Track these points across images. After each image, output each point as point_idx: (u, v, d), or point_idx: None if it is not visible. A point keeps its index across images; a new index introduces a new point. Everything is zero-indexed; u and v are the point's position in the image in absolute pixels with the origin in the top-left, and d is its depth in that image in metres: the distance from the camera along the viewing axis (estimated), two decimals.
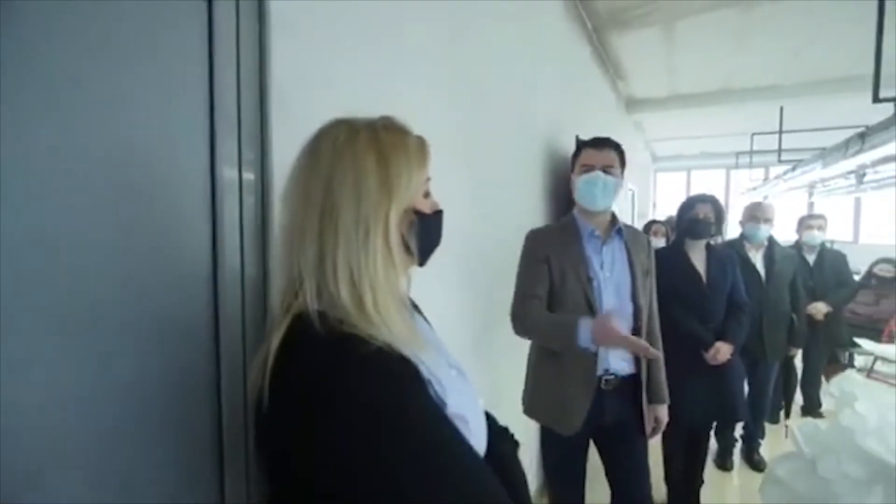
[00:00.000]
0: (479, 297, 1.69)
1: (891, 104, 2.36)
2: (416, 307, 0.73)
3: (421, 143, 0.62)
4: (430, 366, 0.56)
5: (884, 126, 2.43)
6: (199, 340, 0.71)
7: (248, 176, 0.77)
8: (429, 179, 0.63)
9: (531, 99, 2.18)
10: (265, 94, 0.78)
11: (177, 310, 0.68)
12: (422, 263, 0.63)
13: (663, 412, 1.55)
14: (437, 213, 0.65)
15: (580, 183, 1.43)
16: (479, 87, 1.63)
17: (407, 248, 0.59)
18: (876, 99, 2.26)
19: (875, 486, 1.43)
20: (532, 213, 2.23)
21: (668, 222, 3.51)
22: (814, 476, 1.60)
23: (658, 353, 1.26)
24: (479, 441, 0.60)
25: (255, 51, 0.77)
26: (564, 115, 2.68)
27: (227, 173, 0.73)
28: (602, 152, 1.43)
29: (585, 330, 1.21)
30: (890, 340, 3.57)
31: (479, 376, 1.72)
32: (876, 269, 3.56)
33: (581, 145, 1.51)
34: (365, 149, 0.56)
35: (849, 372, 1.83)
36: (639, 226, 3.61)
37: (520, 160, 2.09)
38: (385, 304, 0.54)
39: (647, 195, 8.71)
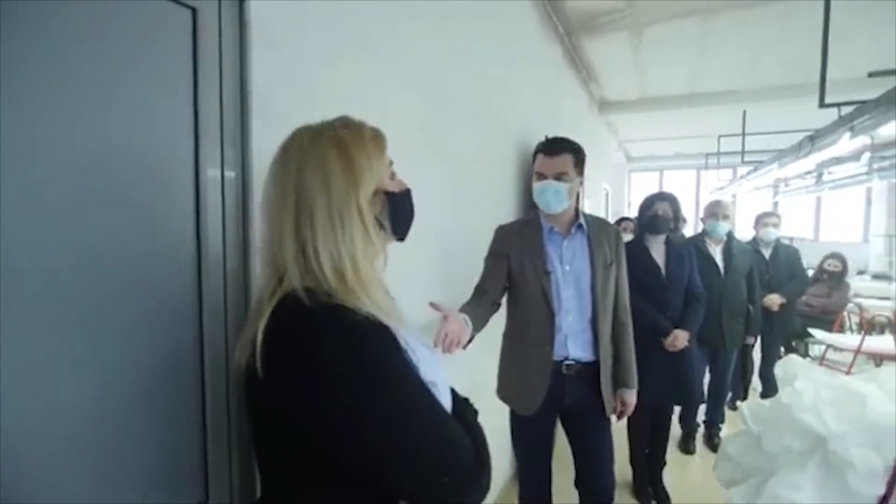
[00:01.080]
0: (455, 292, 1.77)
1: (835, 109, 2.56)
2: (388, 292, 0.80)
3: (376, 133, 0.69)
4: (406, 337, 0.63)
5: (829, 129, 2.62)
6: (183, 332, 0.76)
7: (230, 174, 0.83)
8: (391, 163, 0.71)
9: (504, 99, 2.27)
10: (246, 97, 0.85)
11: (162, 302, 0.73)
12: (402, 238, 0.71)
13: (631, 396, 1.63)
14: (406, 191, 0.72)
15: (535, 189, 1.54)
16: (452, 88, 1.72)
17: (382, 227, 0.66)
18: (822, 104, 2.44)
19: (812, 457, 1.57)
20: (505, 209, 2.32)
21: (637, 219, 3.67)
22: (759, 451, 1.74)
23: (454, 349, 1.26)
24: (445, 400, 0.67)
25: (237, 56, 0.84)
26: (537, 115, 2.79)
27: (211, 172, 0.80)
28: (555, 159, 1.51)
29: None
30: (841, 330, 3.81)
31: (456, 368, 1.80)
32: (825, 265, 3.79)
33: (536, 150, 1.59)
34: (328, 147, 0.63)
35: (791, 355, 1.98)
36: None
37: (493, 158, 2.18)
38: (367, 277, 0.61)
39: (622, 194, 8.95)
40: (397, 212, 0.69)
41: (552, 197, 1.50)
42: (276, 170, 0.65)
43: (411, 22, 1.41)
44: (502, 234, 1.59)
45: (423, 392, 0.60)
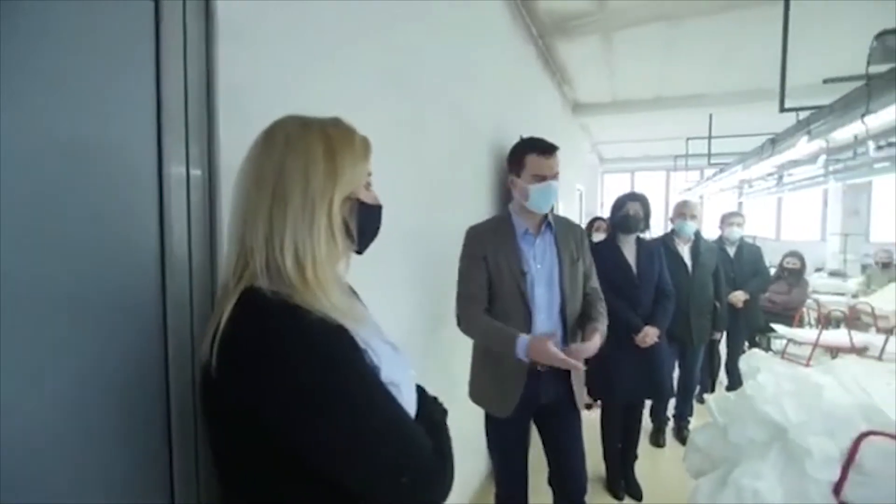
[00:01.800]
0: (428, 292, 1.77)
1: (793, 114, 2.68)
2: (353, 292, 0.80)
3: (365, 141, 0.70)
4: (365, 337, 0.62)
5: (788, 133, 2.74)
6: (147, 336, 0.73)
7: (196, 172, 0.80)
8: (370, 174, 0.70)
9: (478, 99, 2.29)
10: (212, 93, 0.82)
11: (123, 306, 0.70)
12: (360, 251, 0.70)
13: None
14: (378, 207, 0.71)
15: (534, 191, 1.50)
16: (426, 88, 1.72)
17: (348, 232, 0.66)
18: (782, 109, 2.55)
19: (773, 446, 1.64)
20: (478, 209, 2.34)
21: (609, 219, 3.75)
22: (726, 442, 1.80)
23: (581, 367, 1.37)
24: (409, 406, 0.67)
25: (202, 50, 0.82)
26: (511, 116, 2.82)
27: (175, 170, 0.77)
28: (551, 160, 1.52)
29: (522, 346, 1.36)
30: (800, 325, 3.98)
31: (432, 369, 1.80)
32: (785, 262, 3.96)
33: (527, 149, 1.55)
34: (315, 140, 0.63)
35: (754, 349, 2.07)
36: (584, 224, 3.82)
37: (464, 158, 2.19)
38: (325, 277, 0.61)
39: (595, 195, 9.15)
40: (365, 223, 0.68)
41: (553, 198, 1.52)
42: (257, 151, 0.64)
43: (384, 19, 1.41)
44: (476, 235, 1.58)
45: (380, 393, 0.60)
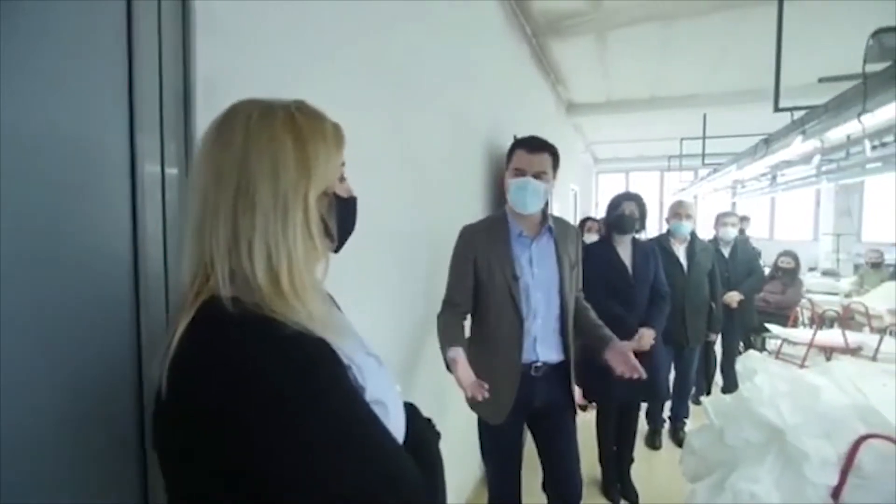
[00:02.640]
0: (418, 293, 1.74)
1: (788, 113, 2.67)
2: (331, 299, 0.72)
3: (336, 128, 0.62)
4: (348, 351, 0.55)
5: (783, 133, 2.73)
6: (119, 339, 0.70)
7: (172, 171, 0.76)
8: (343, 164, 0.64)
9: (472, 98, 2.26)
10: (189, 87, 0.78)
11: (93, 315, 0.66)
12: (337, 249, 0.63)
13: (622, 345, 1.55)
14: (353, 199, 0.65)
15: (512, 186, 1.48)
16: (418, 86, 1.68)
17: (326, 231, 0.58)
18: (776, 108, 2.54)
19: (769, 449, 1.62)
20: (471, 208, 2.31)
21: (602, 220, 3.74)
22: (722, 444, 1.78)
23: (483, 395, 1.33)
24: (397, 426, 0.61)
25: (178, 41, 0.78)
26: (505, 115, 2.79)
27: (149, 168, 0.73)
28: (535, 157, 1.47)
29: (450, 356, 1.40)
30: (795, 325, 3.99)
31: (423, 374, 1.77)
32: (779, 262, 3.97)
33: (516, 145, 1.54)
34: (281, 127, 0.55)
35: (751, 350, 2.05)
36: (576, 223, 3.81)
37: (459, 158, 2.16)
38: (303, 284, 0.54)
39: (589, 195, 9.15)
40: (342, 218, 0.61)
41: (531, 196, 1.46)
42: (212, 143, 0.55)
43: (376, 17, 1.37)
44: (467, 235, 1.55)
45: (365, 415, 0.53)
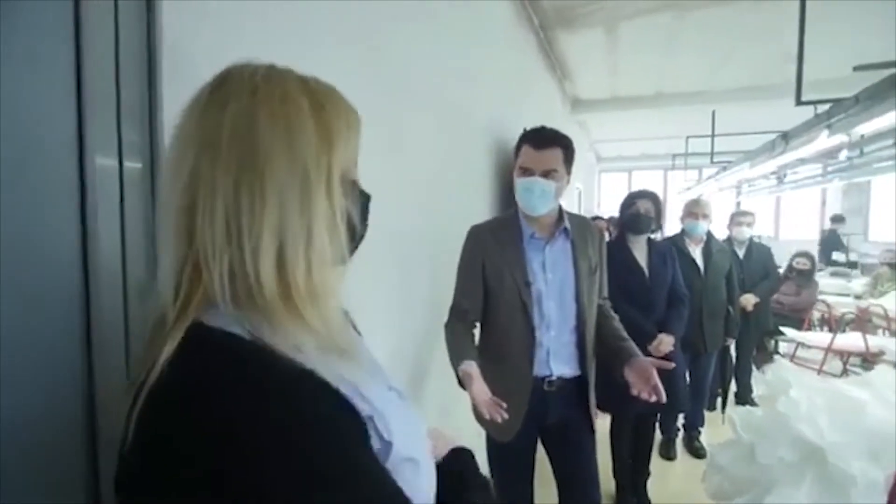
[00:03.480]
0: (420, 297, 1.60)
1: (809, 106, 2.53)
2: (347, 316, 0.59)
3: (354, 109, 0.50)
4: (369, 393, 0.43)
5: (805, 127, 2.60)
6: (66, 360, 0.56)
7: (133, 164, 0.63)
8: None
9: (474, 94, 2.12)
10: (154, 63, 0.64)
11: (38, 325, 0.53)
12: (350, 254, 0.50)
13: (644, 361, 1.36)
14: (368, 196, 0.53)
15: (518, 187, 1.35)
16: (416, 82, 1.53)
17: (351, 225, 0.45)
18: (798, 102, 2.40)
19: (806, 470, 1.48)
20: (476, 207, 2.17)
21: (610, 220, 3.61)
22: (752, 462, 1.65)
23: (502, 415, 1.20)
24: (429, 482, 0.49)
25: (141, 7, 0.64)
26: (510, 111, 2.66)
27: (102, 161, 0.59)
28: (543, 153, 1.33)
29: (461, 370, 1.25)
30: (810, 328, 3.87)
31: (428, 384, 1.64)
32: (794, 263, 3.84)
33: (522, 139, 1.40)
34: (295, 87, 0.43)
35: (781, 360, 1.92)
36: None
37: (463, 155, 2.02)
38: (324, 288, 0.41)
39: (592, 194, 9.02)
40: (362, 214, 0.50)
41: (538, 199, 1.32)
42: (204, 109, 0.42)
43: (374, 6, 1.22)
44: (476, 236, 1.41)
45: (389, 492, 0.41)
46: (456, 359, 1.29)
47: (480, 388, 1.21)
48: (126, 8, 0.62)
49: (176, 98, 0.65)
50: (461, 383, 1.27)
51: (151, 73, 0.65)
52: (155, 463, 0.37)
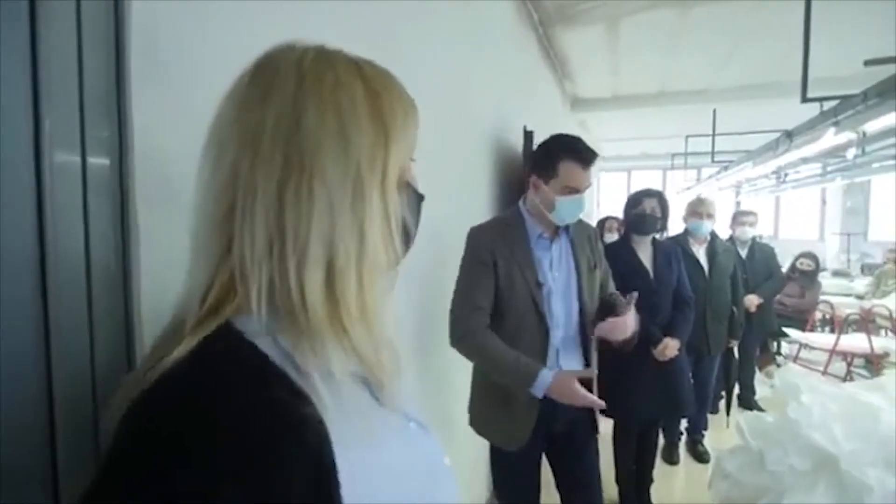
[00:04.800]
0: (412, 300, 1.54)
1: (813, 104, 2.49)
2: None
3: (411, 97, 0.44)
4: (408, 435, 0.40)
5: (809, 125, 2.55)
6: (22, 365, 0.51)
7: (99, 161, 0.56)
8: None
9: (473, 93, 2.06)
10: (122, 49, 0.58)
11: None
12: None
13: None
14: (422, 197, 0.47)
15: (562, 204, 1.29)
16: (415, 80, 1.46)
17: (406, 232, 0.41)
18: (804, 99, 2.35)
19: (819, 478, 1.43)
20: (476, 206, 2.12)
21: (619, 220, 3.56)
22: (762, 469, 1.60)
23: (601, 405, 1.23)
24: None
25: None
26: (511, 110, 2.60)
27: (62, 158, 0.53)
28: (588, 172, 1.32)
29: (543, 383, 1.20)
30: (813, 329, 3.82)
31: (421, 387, 1.58)
32: (798, 263, 3.79)
33: (562, 153, 1.30)
34: (347, 71, 0.38)
35: (789, 364, 1.87)
36: (594, 223, 3.63)
37: (462, 154, 1.97)
38: (377, 308, 0.37)
39: (592, 194, 8.98)
40: (417, 215, 0.45)
41: (582, 211, 1.35)
42: (242, 101, 0.38)
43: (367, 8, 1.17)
44: (483, 238, 1.36)
45: None
46: (519, 367, 1.23)
47: (583, 392, 1.18)
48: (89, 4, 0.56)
49: (146, 90, 0.60)
50: (534, 393, 1.22)
51: (119, 62, 0.58)
52: (114, 472, 0.31)
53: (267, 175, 0.35)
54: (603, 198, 9.78)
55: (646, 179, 9.68)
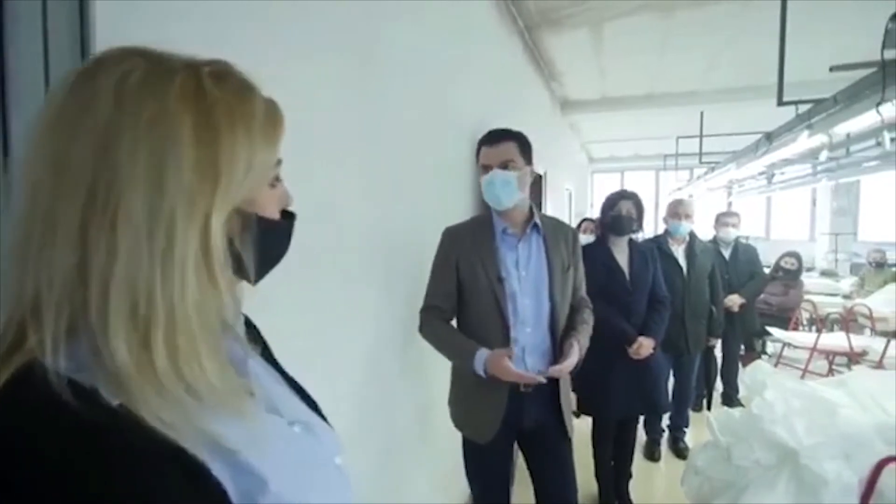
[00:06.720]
0: (397, 300, 1.58)
1: (792, 107, 2.54)
2: (250, 329, 0.51)
3: (272, 109, 0.41)
4: (251, 456, 0.36)
5: (787, 127, 2.60)
6: None
7: None
8: (279, 163, 0.44)
9: (457, 93, 2.10)
10: (87, 50, 0.62)
11: None
12: (256, 280, 0.43)
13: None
14: (290, 217, 0.46)
15: (482, 185, 1.38)
16: (398, 81, 1.52)
17: (238, 263, 0.39)
18: (780, 102, 2.41)
19: (782, 471, 1.48)
20: (457, 207, 2.16)
21: (598, 220, 3.60)
22: (729, 464, 1.64)
23: (541, 380, 1.29)
24: None
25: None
26: (496, 112, 2.64)
27: None
28: (497, 148, 1.37)
29: (480, 361, 1.28)
30: (797, 328, 3.87)
31: (400, 387, 1.62)
32: (782, 262, 3.84)
33: (478, 143, 1.45)
34: (179, 98, 0.34)
35: (759, 361, 1.92)
36: (574, 225, 3.66)
37: (444, 154, 2.00)
38: (192, 351, 0.34)
39: (585, 195, 9.03)
40: (266, 243, 0.41)
41: (501, 189, 1.34)
42: (58, 111, 0.34)
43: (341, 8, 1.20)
44: (449, 237, 1.42)
45: None
46: (460, 349, 1.34)
47: (515, 370, 1.25)
48: (54, 11, 0.59)
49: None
50: (483, 372, 1.28)
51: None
52: None
53: (68, 205, 0.32)
54: (597, 199, 9.87)
55: (639, 180, 9.75)
